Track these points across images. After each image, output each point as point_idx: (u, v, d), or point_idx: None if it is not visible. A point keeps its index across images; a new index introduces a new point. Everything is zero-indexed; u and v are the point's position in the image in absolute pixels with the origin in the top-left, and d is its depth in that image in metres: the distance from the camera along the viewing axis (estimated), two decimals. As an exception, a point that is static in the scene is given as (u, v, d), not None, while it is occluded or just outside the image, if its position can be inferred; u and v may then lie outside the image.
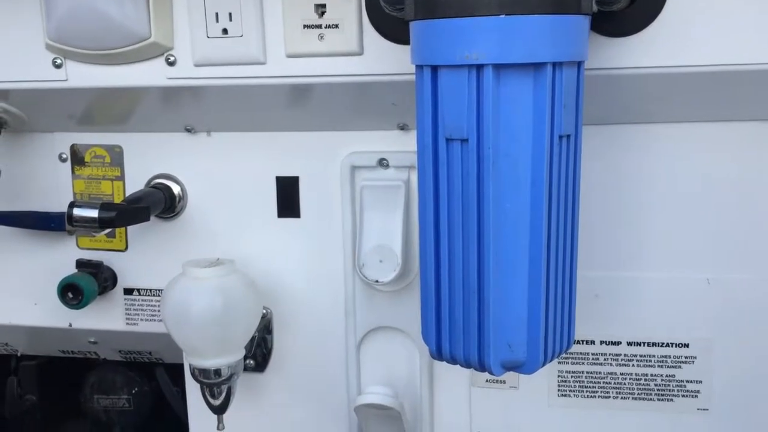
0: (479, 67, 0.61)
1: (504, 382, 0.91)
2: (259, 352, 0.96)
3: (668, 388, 0.88)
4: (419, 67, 0.66)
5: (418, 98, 0.67)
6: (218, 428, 0.91)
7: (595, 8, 0.65)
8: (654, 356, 0.87)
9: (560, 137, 0.64)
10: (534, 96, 0.62)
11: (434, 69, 0.64)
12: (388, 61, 0.78)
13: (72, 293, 0.94)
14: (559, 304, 0.68)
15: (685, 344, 0.86)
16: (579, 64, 0.65)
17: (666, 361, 0.87)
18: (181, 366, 0.99)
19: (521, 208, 0.64)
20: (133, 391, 1.11)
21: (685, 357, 0.87)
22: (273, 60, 0.81)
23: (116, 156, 0.96)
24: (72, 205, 0.83)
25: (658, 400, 0.88)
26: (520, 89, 0.62)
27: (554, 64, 0.62)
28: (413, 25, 0.66)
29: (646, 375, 0.88)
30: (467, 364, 0.68)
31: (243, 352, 0.89)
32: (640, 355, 0.88)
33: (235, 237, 0.94)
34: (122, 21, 0.79)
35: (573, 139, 0.66)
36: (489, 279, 0.64)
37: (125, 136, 0.95)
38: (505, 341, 0.66)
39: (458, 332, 0.68)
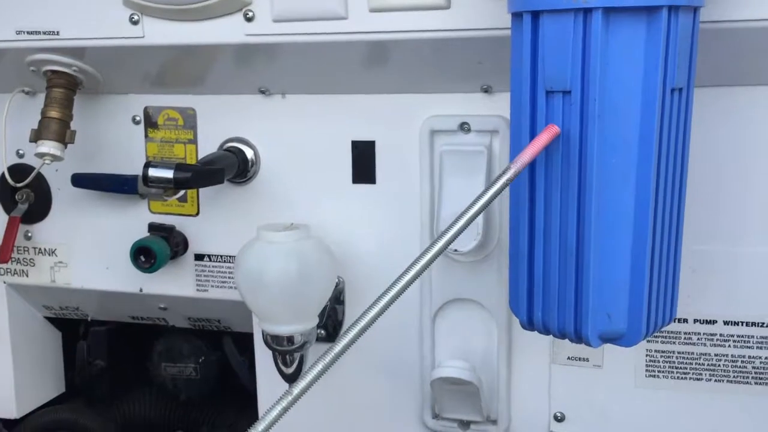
0: (587, 11, 0.57)
1: (587, 359, 0.86)
2: (330, 323, 0.93)
3: (768, 371, 0.82)
4: (517, 15, 0.62)
5: (515, 48, 0.63)
6: (289, 398, 0.89)
7: (712, -51, 0.60)
8: (753, 337, 0.82)
9: (672, 90, 0.59)
10: (646, 43, 0.57)
11: (535, 15, 0.60)
12: (476, 14, 0.74)
13: (144, 257, 0.93)
14: (663, 271, 0.63)
15: (788, 325, 0.80)
16: (695, 10, 0.60)
17: (766, 343, 0.81)
18: (247, 335, 0.97)
19: (627, 166, 0.59)
20: (200, 360, 1.10)
21: (788, 338, 0.81)
22: (355, 15, 0.77)
23: (189, 118, 0.94)
24: (147, 165, 0.82)
25: (756, 383, 0.83)
26: (631, 36, 0.57)
27: (670, 8, 0.57)
28: (511, -31, 0.62)
29: (744, 357, 0.82)
30: (562, 335, 0.64)
31: (316, 320, 0.87)
32: (738, 336, 0.82)
33: (307, 203, 0.91)
34: (201, -27, 0.77)
35: (685, 93, 0.61)
36: (590, 240, 0.60)
37: (198, 98, 0.93)
38: (605, 310, 0.62)
39: (553, 300, 0.64)
